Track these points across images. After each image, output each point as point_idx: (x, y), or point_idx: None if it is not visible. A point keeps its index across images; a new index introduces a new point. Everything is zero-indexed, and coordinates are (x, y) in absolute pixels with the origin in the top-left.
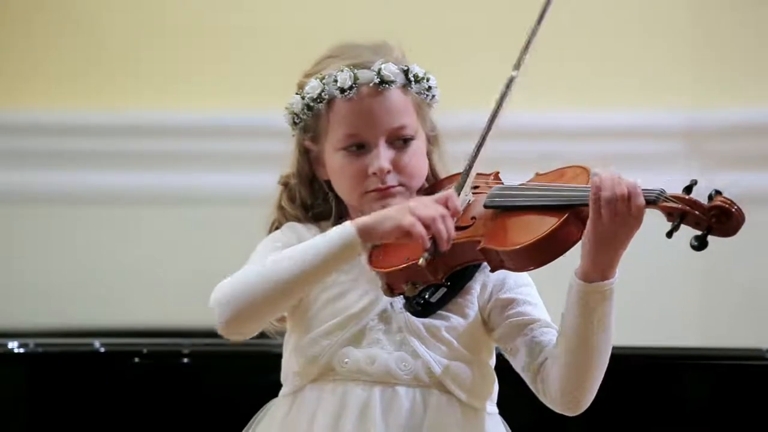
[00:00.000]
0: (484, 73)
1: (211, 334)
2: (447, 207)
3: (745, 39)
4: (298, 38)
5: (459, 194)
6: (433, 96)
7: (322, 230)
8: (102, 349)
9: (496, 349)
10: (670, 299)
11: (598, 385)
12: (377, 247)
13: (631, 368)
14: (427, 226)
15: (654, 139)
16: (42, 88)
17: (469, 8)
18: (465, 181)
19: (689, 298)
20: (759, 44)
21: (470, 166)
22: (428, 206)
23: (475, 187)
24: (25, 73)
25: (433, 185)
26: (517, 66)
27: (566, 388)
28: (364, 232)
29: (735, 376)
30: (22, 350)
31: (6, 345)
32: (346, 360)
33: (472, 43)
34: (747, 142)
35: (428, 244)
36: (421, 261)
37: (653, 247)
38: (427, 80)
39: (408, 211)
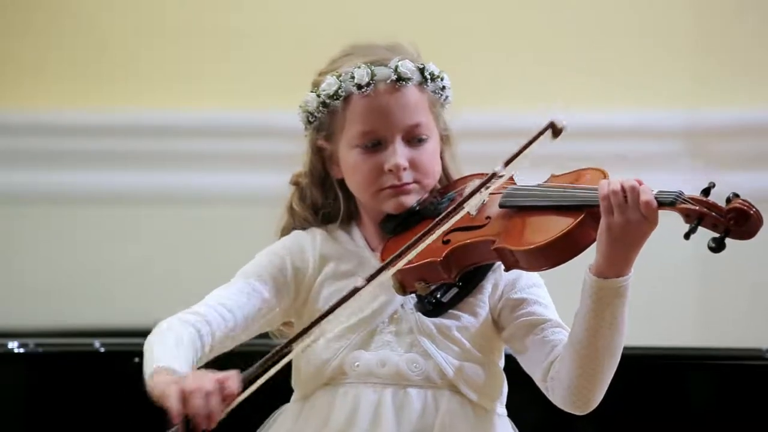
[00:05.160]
0: (484, 73)
1: None
2: (223, 386)
3: (746, 39)
4: (298, 38)
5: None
6: (447, 96)
7: (329, 233)
8: (102, 349)
9: (506, 352)
10: (670, 299)
11: (607, 384)
12: (390, 243)
13: (632, 368)
14: (185, 399)
15: (654, 139)
16: (42, 88)
17: (469, 8)
18: (484, 186)
19: (690, 298)
20: (759, 44)
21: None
22: (198, 380)
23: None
24: (25, 73)
25: (446, 186)
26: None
27: (576, 386)
28: (151, 387)
29: (735, 376)
30: (22, 350)
31: (6, 345)
32: (357, 363)
33: (473, 42)
34: (747, 142)
35: (179, 418)
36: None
37: (653, 247)
38: (442, 79)
39: (175, 381)
